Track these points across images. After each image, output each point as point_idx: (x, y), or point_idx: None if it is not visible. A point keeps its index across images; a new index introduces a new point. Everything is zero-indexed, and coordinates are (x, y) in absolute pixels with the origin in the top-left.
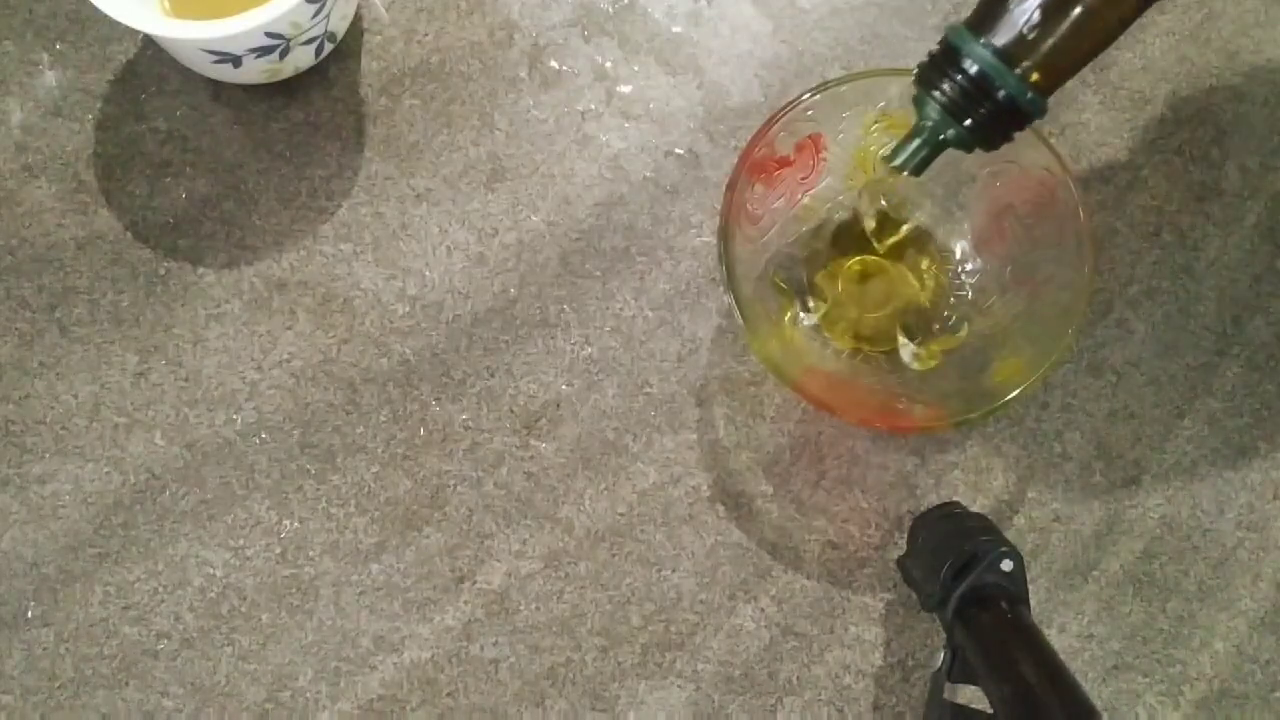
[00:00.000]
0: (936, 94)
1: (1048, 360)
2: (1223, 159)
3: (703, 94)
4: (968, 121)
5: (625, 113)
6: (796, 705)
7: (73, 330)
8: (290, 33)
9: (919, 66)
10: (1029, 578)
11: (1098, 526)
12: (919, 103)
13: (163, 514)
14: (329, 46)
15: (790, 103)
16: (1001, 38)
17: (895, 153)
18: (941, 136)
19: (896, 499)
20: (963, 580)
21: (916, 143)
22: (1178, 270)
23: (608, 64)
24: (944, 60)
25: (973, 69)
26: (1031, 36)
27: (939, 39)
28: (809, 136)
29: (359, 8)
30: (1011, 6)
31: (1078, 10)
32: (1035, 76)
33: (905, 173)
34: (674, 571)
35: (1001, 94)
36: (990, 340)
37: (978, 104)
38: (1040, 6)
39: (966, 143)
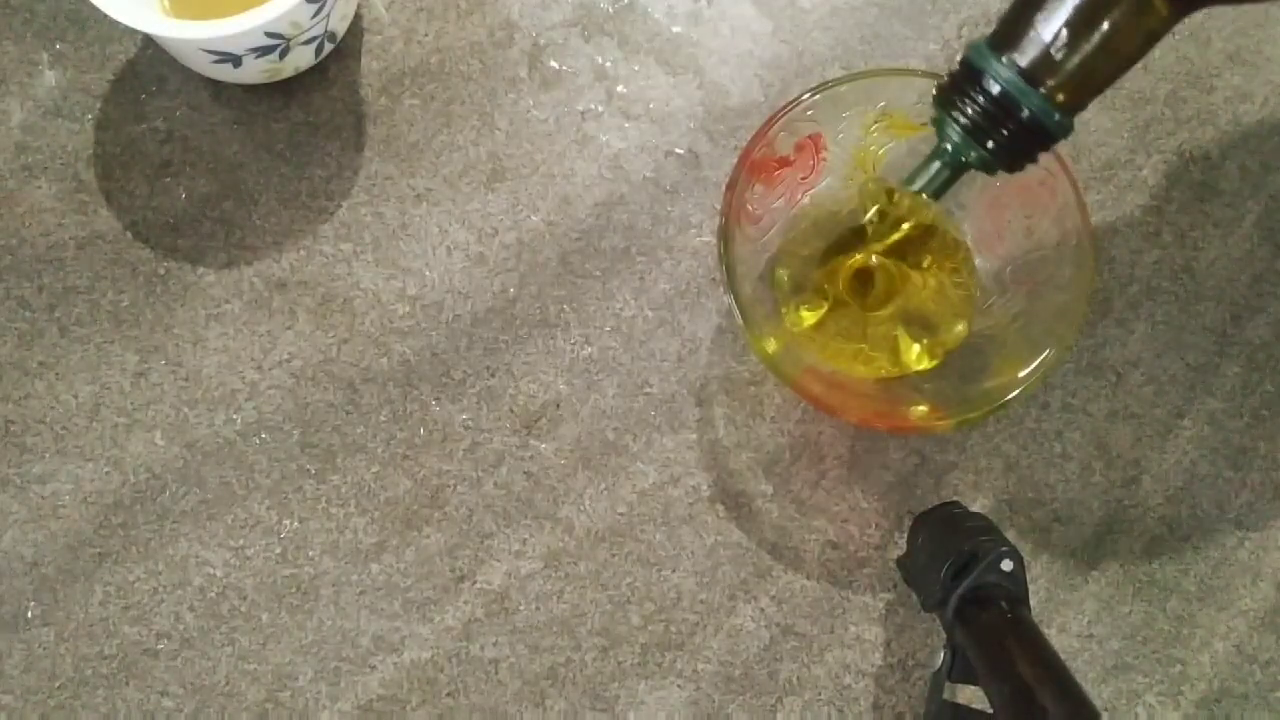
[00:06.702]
0: (957, 115)
1: (1048, 361)
2: (1222, 159)
3: (703, 94)
4: (989, 143)
5: (625, 113)
6: (796, 705)
7: (73, 330)
8: (290, 33)
9: (937, 86)
10: (1029, 578)
11: (1098, 526)
12: (939, 124)
13: (163, 514)
14: (329, 46)
15: (790, 103)
16: (1025, 56)
17: (915, 176)
18: (963, 159)
19: (896, 499)
20: (963, 580)
21: (937, 165)
22: (1178, 270)
23: (608, 64)
24: (964, 80)
25: (995, 89)
26: (1058, 55)
27: (959, 58)
28: (809, 136)
29: (359, 8)
30: (1036, 24)
31: (1105, 27)
32: (1061, 96)
33: (925, 195)
34: (674, 571)
35: (1025, 115)
36: (990, 340)
37: (1000, 125)
38: (1067, 24)
39: (989, 165)
